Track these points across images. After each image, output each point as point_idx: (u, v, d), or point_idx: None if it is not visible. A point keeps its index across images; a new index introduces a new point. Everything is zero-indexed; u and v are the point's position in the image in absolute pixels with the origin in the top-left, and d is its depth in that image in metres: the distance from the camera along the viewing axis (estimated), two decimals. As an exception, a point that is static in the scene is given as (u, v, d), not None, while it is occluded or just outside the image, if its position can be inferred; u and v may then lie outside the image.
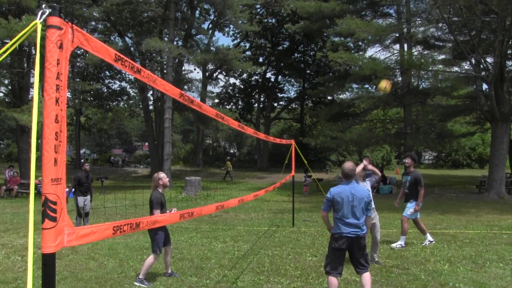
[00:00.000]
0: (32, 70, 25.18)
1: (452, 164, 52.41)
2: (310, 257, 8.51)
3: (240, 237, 10.86)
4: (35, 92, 2.12)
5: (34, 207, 2.18)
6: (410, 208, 9.55)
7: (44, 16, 2.12)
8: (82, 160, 14.43)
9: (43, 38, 2.14)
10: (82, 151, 59.04)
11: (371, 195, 5.78)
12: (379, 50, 28.82)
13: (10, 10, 22.91)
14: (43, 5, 2.12)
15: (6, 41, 23.38)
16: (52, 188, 2.11)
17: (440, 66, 25.14)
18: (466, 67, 25.87)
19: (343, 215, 5.46)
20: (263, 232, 11.68)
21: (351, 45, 33.15)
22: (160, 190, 7.30)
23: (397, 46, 28.25)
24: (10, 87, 26.42)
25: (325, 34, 33.86)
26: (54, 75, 2.11)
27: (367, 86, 29.80)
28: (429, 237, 9.87)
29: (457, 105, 27.00)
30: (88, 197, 11.96)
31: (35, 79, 2.13)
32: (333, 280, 5.48)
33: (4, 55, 2.29)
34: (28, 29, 2.17)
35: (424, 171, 43.64)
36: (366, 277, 5.58)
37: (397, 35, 26.48)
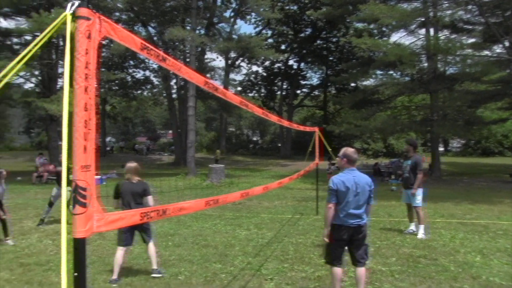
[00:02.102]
0: (60, 61, 25.59)
1: (482, 152, 50.20)
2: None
3: (264, 225, 10.92)
4: (65, 82, 2.17)
5: (66, 194, 2.24)
6: (417, 196, 9.38)
7: (73, 7, 2.17)
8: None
9: (72, 29, 2.19)
10: (107, 139, 59.82)
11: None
12: (404, 35, 28.17)
13: (40, 4, 23.32)
14: (72, -4, 2.17)
15: (37, 34, 23.85)
16: (82, 174, 2.17)
17: (469, 50, 24.38)
18: (498, 50, 25.12)
19: (346, 205, 5.24)
20: (286, 220, 11.72)
21: (375, 31, 32.73)
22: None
23: (422, 31, 27.57)
24: (40, 78, 26.90)
25: (348, 20, 33.47)
26: (83, 64, 2.17)
27: (391, 72, 29.35)
28: (412, 227, 9.73)
29: (487, 90, 26.11)
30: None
31: (65, 69, 2.18)
32: (338, 270, 5.34)
33: (36, 47, 2.35)
34: (58, 21, 2.22)
35: (451, 159, 43.08)
36: (362, 272, 5.38)
37: (423, 19, 25.69)
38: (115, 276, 6.36)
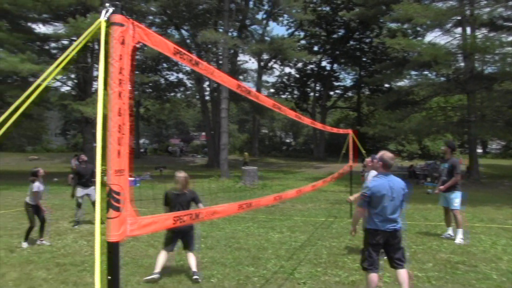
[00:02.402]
0: (95, 65, 26.14)
1: (524, 154, 48.51)
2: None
3: (297, 228, 10.85)
4: (99, 86, 2.20)
5: (100, 195, 2.27)
6: (455, 199, 9.14)
7: (107, 14, 2.20)
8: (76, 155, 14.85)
9: (106, 34, 2.22)
10: (141, 141, 60.68)
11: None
12: (439, 35, 27.54)
13: (77, 10, 23.90)
14: (107, 4, 2.20)
15: (74, 38, 24.50)
16: (116, 179, 2.19)
17: (509, 48, 23.65)
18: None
19: (382, 210, 5.20)
20: (320, 223, 11.63)
21: (409, 31, 32.24)
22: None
23: (459, 30, 26.97)
24: (76, 81, 27.52)
25: (381, 20, 33.08)
26: (117, 70, 2.19)
27: (426, 72, 28.82)
28: (450, 231, 9.46)
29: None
30: (92, 187, 11.77)
31: (99, 74, 2.21)
32: (373, 276, 5.28)
33: (73, 53, 2.39)
34: (93, 27, 2.26)
35: (490, 161, 41.98)
36: (403, 274, 5.32)
37: (459, 18, 25.16)
38: (157, 270, 6.51)
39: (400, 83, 33.92)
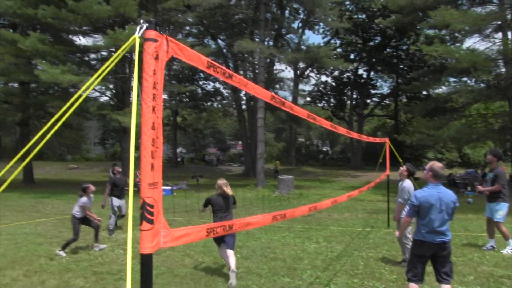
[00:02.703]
0: (133, 75, 26.67)
1: None
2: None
3: (333, 238, 10.75)
4: (133, 100, 2.24)
5: (133, 205, 2.31)
6: (499, 211, 8.89)
7: (141, 30, 2.24)
8: (115, 164, 15.20)
9: (140, 50, 2.28)
10: (178, 150, 61.36)
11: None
12: (478, 41, 26.91)
13: (115, 21, 24.50)
14: (141, 21, 2.25)
15: (112, 49, 25.16)
16: (149, 191, 2.22)
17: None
18: None
19: (429, 221, 5.14)
20: (357, 233, 11.49)
21: (447, 37, 31.70)
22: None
23: (499, 35, 26.31)
24: (114, 91, 28.14)
25: (418, 27, 32.64)
26: (151, 84, 2.23)
27: (465, 79, 28.20)
28: (492, 243, 9.17)
29: None
30: (124, 200, 12.22)
31: (134, 89, 2.26)
32: (413, 286, 5.23)
33: (109, 68, 2.46)
34: (127, 43, 2.32)
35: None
36: None
37: (499, 23, 24.58)
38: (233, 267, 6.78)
39: (438, 90, 33.37)
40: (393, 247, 9.48)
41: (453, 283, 6.45)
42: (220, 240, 7.10)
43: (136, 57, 2.18)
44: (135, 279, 6.02)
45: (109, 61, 2.47)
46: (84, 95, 2.71)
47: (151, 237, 2.24)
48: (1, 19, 29.62)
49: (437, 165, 5.36)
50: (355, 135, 9.51)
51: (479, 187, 9.10)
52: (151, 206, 2.22)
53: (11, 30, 28.14)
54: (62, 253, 8.83)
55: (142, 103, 2.22)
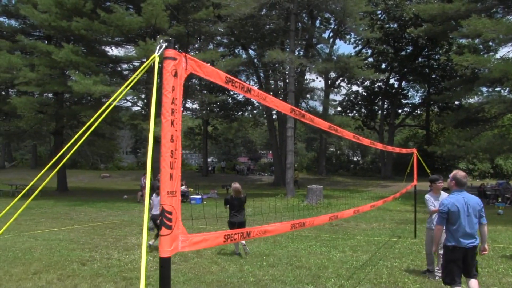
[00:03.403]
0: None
1: None
2: (431, 271, 8.18)
3: (359, 247, 10.78)
4: (151, 116, 2.42)
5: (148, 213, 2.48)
6: None
7: (161, 50, 2.43)
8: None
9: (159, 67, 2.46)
10: (209, 160, 61.85)
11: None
12: (512, 50, 26.46)
13: (147, 32, 25.05)
14: (161, 40, 2.44)
15: (143, 60, 25.71)
16: (168, 199, 2.39)
17: None
18: None
19: (460, 226, 5.40)
20: (383, 243, 11.48)
21: (480, 46, 31.23)
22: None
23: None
24: (145, 101, 28.70)
25: (450, 36, 32.25)
26: (170, 100, 2.41)
27: (498, 89, 27.74)
28: None
29: None
30: None
31: (152, 106, 2.44)
32: None
33: (131, 85, 2.64)
34: (147, 63, 2.50)
35: None
36: (474, 283, 5.57)
37: None
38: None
39: (470, 100, 32.89)
40: (418, 257, 9.46)
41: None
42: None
43: (155, 76, 2.36)
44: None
45: (130, 79, 2.66)
46: (113, 105, 2.90)
47: (170, 242, 2.40)
48: (36, 32, 30.55)
49: (460, 173, 5.67)
50: (379, 145, 9.53)
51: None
52: (170, 213, 2.39)
53: (46, 42, 29.05)
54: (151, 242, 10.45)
55: (161, 118, 2.39)
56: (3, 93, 32.48)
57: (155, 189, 10.58)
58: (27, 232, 12.91)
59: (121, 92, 2.89)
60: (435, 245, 5.84)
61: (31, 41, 26.64)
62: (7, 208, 3.06)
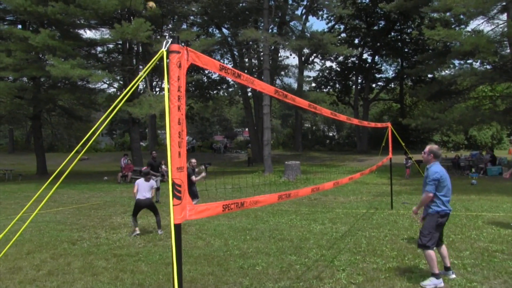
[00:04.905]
0: (140, 67, 27.09)
1: None
2: (407, 239, 8.69)
3: (338, 219, 11.26)
4: (165, 103, 2.75)
5: (172, 193, 2.82)
6: None
7: (167, 45, 2.76)
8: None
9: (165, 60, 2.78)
10: (191, 139, 61.85)
11: None
12: (482, 23, 26.84)
13: (122, 15, 24.94)
14: (167, 36, 2.77)
15: (119, 42, 25.61)
16: (178, 174, 2.77)
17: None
18: None
19: (447, 192, 5.98)
20: (361, 215, 12.00)
21: (452, 19, 31.71)
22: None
23: (504, 16, 26.11)
24: (121, 83, 28.65)
25: (421, 10, 32.73)
26: (176, 88, 2.75)
27: (470, 61, 28.28)
28: None
29: None
30: (159, 177, 15.69)
31: (165, 94, 2.78)
32: (432, 252, 5.93)
33: (139, 80, 2.96)
34: (156, 57, 2.82)
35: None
36: (445, 248, 6.29)
37: (504, 3, 24.08)
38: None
39: (443, 73, 33.44)
40: (395, 226, 9.99)
41: (449, 258, 6.90)
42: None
43: (165, 69, 2.69)
44: (152, 260, 6.68)
45: (141, 73, 2.99)
46: (126, 97, 3.21)
47: (180, 211, 2.78)
48: (10, 16, 30.04)
49: (434, 146, 6.31)
50: (355, 121, 9.95)
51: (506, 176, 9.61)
52: (179, 186, 2.76)
53: (20, 27, 28.64)
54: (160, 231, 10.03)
55: (169, 103, 2.74)
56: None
57: (145, 174, 10.39)
58: (14, 216, 13.09)
59: (133, 86, 3.19)
60: (418, 208, 6.36)
61: (6, 27, 26.38)
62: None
